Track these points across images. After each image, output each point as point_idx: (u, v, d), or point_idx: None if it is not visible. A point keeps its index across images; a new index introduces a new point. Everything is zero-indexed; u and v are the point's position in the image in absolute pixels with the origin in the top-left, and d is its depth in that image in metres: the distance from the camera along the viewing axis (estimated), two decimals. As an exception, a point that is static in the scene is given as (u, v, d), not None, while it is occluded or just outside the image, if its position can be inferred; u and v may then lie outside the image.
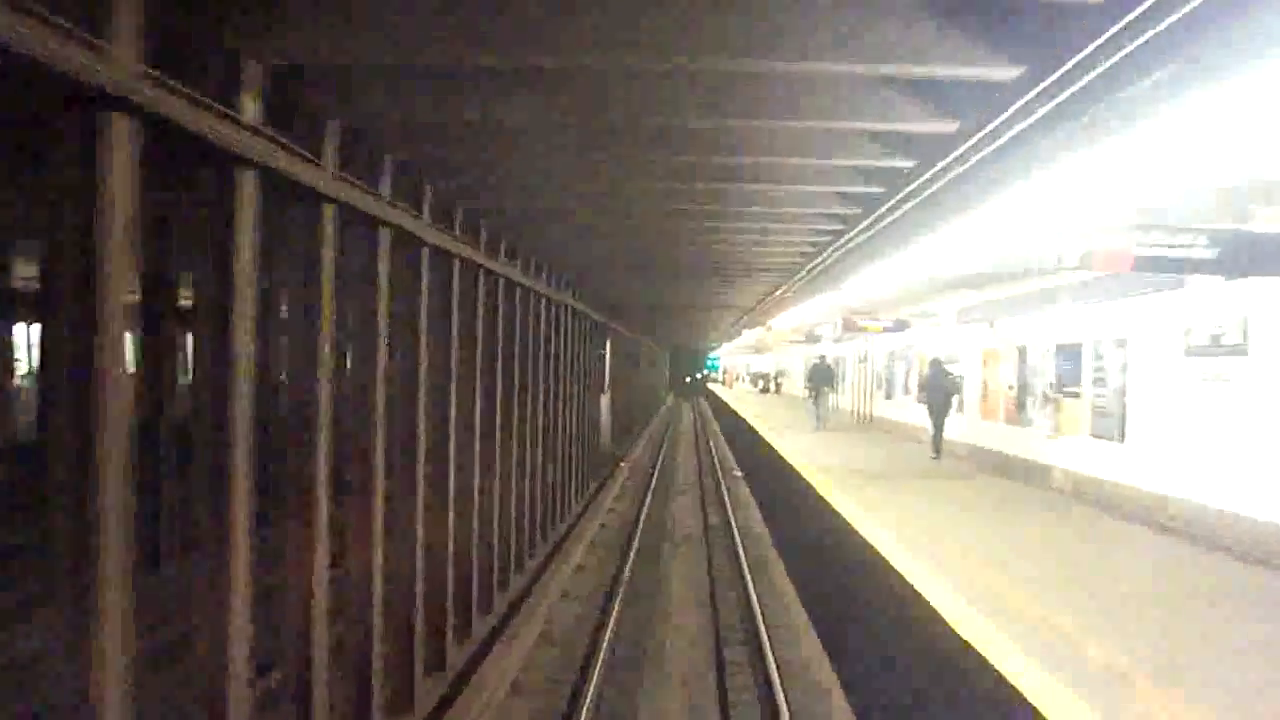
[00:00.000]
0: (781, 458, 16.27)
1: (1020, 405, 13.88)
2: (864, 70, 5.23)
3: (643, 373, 38.60)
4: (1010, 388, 14.33)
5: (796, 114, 5.94)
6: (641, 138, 6.93)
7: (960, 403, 16.62)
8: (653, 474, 23.05)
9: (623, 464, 22.16)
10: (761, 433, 21.72)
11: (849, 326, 19.03)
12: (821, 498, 11.66)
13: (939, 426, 16.63)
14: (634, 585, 12.39)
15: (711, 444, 33.61)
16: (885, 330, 18.77)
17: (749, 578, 12.36)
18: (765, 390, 53.11)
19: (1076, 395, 11.94)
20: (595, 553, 14.38)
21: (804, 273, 14.11)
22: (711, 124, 6.42)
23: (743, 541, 14.82)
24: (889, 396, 22.89)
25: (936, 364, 16.89)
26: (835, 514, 10.57)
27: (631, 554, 13.92)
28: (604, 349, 21.14)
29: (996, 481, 13.39)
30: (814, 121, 6.09)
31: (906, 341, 20.53)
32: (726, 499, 19.48)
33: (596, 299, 18.74)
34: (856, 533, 9.30)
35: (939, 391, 16.63)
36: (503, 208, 9.22)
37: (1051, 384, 12.72)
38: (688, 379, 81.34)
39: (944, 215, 8.48)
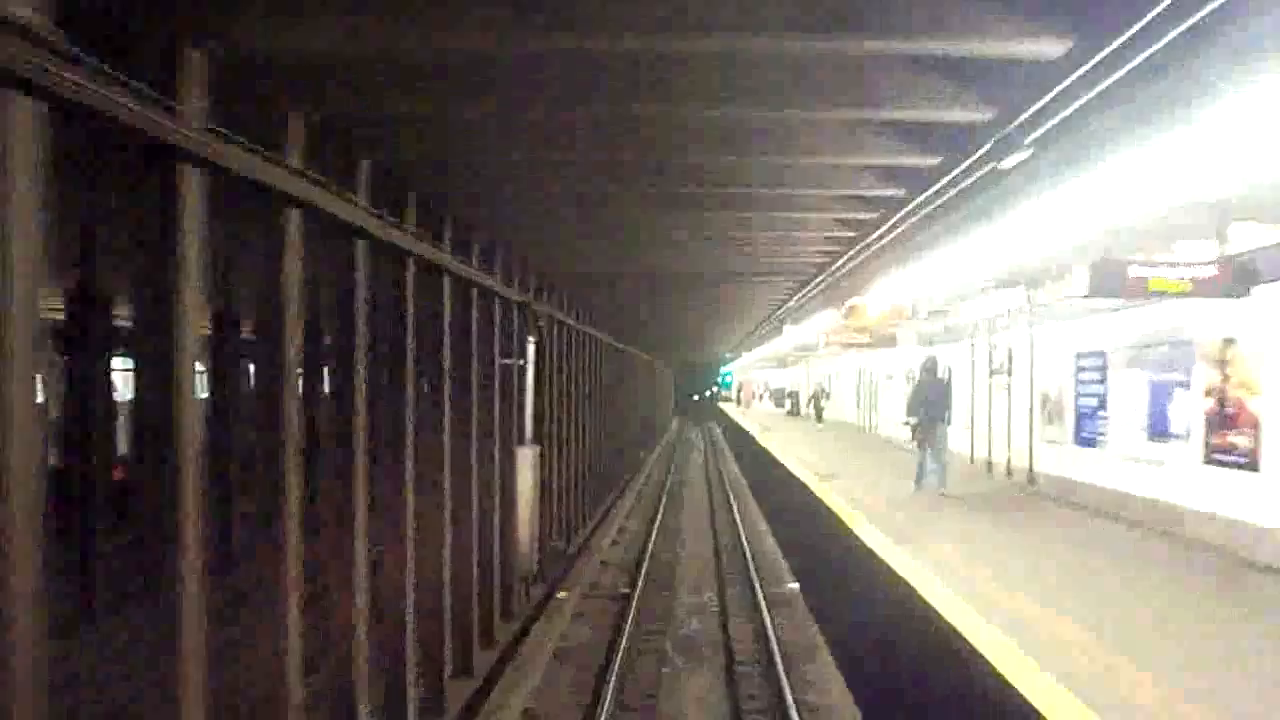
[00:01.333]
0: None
1: None
2: None
3: (626, 400, 26.94)
4: None
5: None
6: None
7: None
8: (616, 642, 10.22)
9: (561, 596, 10.80)
10: (844, 518, 10.66)
11: (1101, 288, 7.84)
12: None
13: None
14: None
15: (743, 536, 17.49)
16: (1193, 287, 7.49)
17: None
18: (794, 413, 41.72)
19: None
20: None
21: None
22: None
23: None
24: (1088, 440, 11.78)
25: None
26: None
27: None
28: (523, 358, 10.19)
29: None
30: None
31: (1159, 325, 9.46)
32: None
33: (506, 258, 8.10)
34: None
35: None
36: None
37: None
38: (695, 397, 71.08)
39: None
